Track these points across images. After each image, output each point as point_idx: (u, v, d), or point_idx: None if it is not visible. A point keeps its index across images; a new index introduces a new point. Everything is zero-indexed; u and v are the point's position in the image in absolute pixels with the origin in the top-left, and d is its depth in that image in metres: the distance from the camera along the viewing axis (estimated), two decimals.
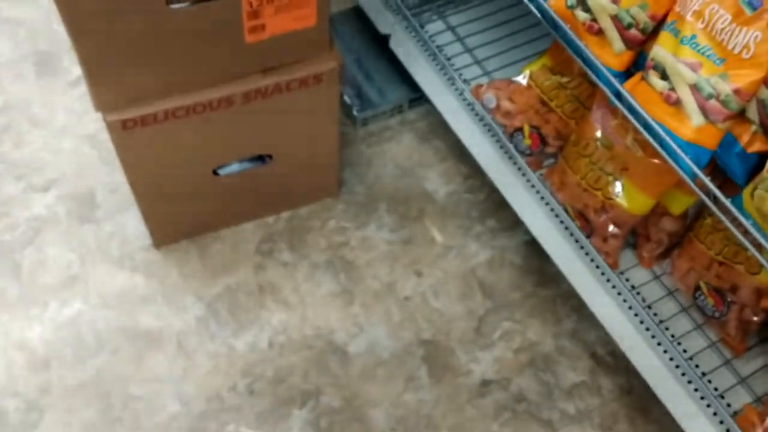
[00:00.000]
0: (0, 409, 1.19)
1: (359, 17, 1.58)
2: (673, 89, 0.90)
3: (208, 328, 1.28)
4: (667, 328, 1.13)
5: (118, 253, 1.34)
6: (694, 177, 0.91)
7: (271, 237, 1.38)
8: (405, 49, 1.41)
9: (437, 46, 1.37)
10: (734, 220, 0.89)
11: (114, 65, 1.01)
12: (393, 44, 1.43)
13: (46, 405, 1.20)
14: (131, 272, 1.33)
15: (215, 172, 1.24)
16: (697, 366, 1.10)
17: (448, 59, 1.36)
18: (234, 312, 1.30)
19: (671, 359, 1.09)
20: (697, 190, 0.93)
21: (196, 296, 1.31)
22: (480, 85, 1.27)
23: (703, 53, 0.87)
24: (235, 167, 1.26)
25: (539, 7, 1.03)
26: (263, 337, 1.28)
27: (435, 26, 1.42)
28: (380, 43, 1.50)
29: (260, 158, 1.27)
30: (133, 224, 1.37)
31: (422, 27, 1.39)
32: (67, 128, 1.47)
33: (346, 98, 1.50)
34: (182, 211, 1.30)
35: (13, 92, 1.51)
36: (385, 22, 1.44)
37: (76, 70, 1.54)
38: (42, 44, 1.58)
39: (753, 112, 0.87)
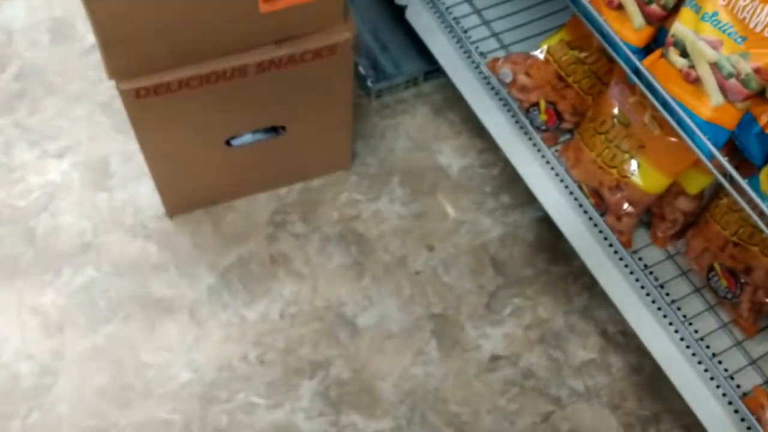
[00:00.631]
0: (15, 372, 1.20)
1: None
2: (692, 67, 0.88)
3: (220, 298, 1.29)
4: (678, 308, 1.12)
5: (131, 221, 1.35)
6: (711, 157, 0.90)
7: (284, 208, 1.38)
8: (421, 20, 1.39)
9: (454, 18, 1.35)
10: (750, 201, 0.88)
11: (127, 33, 1.01)
12: (409, 15, 1.41)
13: (60, 369, 1.21)
14: (144, 241, 1.33)
15: (228, 143, 1.24)
16: (707, 347, 1.09)
17: (465, 32, 1.34)
18: (246, 282, 1.30)
19: (682, 339, 1.09)
20: (713, 169, 0.91)
21: (208, 266, 1.31)
22: (496, 59, 1.25)
23: (724, 31, 0.85)
24: (248, 138, 1.25)
25: None
26: (274, 308, 1.29)
27: None
28: (397, 14, 1.48)
29: (273, 129, 1.26)
30: (146, 193, 1.37)
31: None
32: (81, 96, 1.47)
33: (361, 69, 1.49)
34: (195, 181, 1.30)
35: (28, 59, 1.51)
36: None
37: (91, 38, 1.53)
38: (57, 11, 1.58)
39: None
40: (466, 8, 1.39)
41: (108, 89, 1.47)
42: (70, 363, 1.22)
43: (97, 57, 1.51)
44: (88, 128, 1.44)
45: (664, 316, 1.11)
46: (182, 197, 1.33)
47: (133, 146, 1.40)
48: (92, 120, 1.45)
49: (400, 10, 1.44)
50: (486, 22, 1.37)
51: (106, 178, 1.39)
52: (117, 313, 1.27)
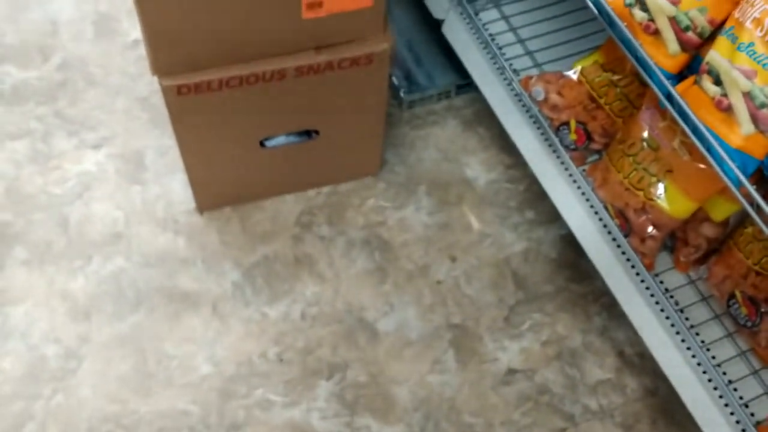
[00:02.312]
0: (41, 354, 1.24)
1: (414, 0, 1.58)
2: (725, 95, 0.90)
3: (243, 295, 1.31)
4: (697, 334, 1.13)
5: (162, 214, 1.38)
6: (739, 185, 0.91)
7: (311, 210, 1.40)
8: (457, 35, 1.41)
9: (490, 35, 1.37)
10: None
11: (174, 31, 1.04)
12: (446, 29, 1.44)
13: (85, 354, 1.24)
14: (174, 234, 1.36)
15: (262, 144, 1.27)
16: (724, 373, 1.10)
17: (500, 48, 1.36)
18: (270, 281, 1.33)
19: (699, 364, 1.10)
20: (741, 198, 0.92)
21: (234, 262, 1.34)
22: (530, 77, 1.27)
23: (759, 62, 0.86)
24: (281, 140, 1.28)
25: (596, 3, 1.03)
26: (296, 308, 1.31)
27: (489, 14, 1.42)
28: (432, 27, 1.51)
29: (307, 133, 1.29)
30: (178, 188, 1.40)
31: (476, 14, 1.40)
32: (121, 89, 1.51)
33: (395, 80, 1.51)
34: (227, 179, 1.33)
35: (72, 50, 1.55)
36: (439, 7, 1.44)
37: (134, 33, 1.57)
38: (102, 5, 1.62)
39: None
40: (502, 25, 1.41)
41: (147, 84, 1.50)
42: (95, 349, 1.25)
43: (138, 52, 1.55)
44: (125, 121, 1.47)
45: (683, 341, 1.12)
46: (213, 194, 1.36)
47: (168, 141, 1.44)
48: (130, 114, 1.48)
49: (436, 24, 1.46)
50: (521, 41, 1.39)
51: (141, 171, 1.42)
52: (143, 303, 1.29)
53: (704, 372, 1.09)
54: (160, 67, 1.09)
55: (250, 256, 1.35)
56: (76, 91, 1.50)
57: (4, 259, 1.31)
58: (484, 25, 1.39)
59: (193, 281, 1.32)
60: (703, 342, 1.12)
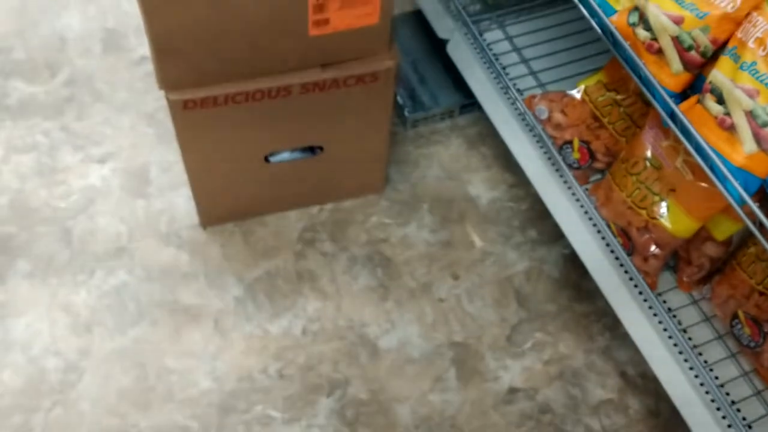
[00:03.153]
0: (42, 367, 1.23)
1: (419, 21, 1.60)
2: (728, 114, 0.90)
3: (245, 310, 1.31)
4: (700, 354, 1.13)
5: (165, 229, 1.38)
6: (742, 203, 0.91)
7: (314, 227, 1.40)
8: (462, 54, 1.42)
9: (494, 55, 1.39)
10: None
11: (182, 47, 1.05)
12: (450, 49, 1.45)
13: (85, 367, 1.24)
14: (177, 249, 1.36)
15: (267, 159, 1.27)
16: (727, 394, 1.09)
17: (504, 68, 1.37)
18: (271, 296, 1.33)
19: (702, 384, 1.09)
20: (744, 217, 0.93)
21: (236, 278, 1.34)
22: (533, 96, 1.28)
23: (762, 81, 0.87)
24: (286, 156, 1.29)
25: (600, 23, 1.04)
26: (297, 324, 1.31)
27: (493, 35, 1.43)
28: (437, 47, 1.52)
29: (311, 149, 1.29)
30: (182, 203, 1.41)
31: (481, 34, 1.41)
32: (127, 105, 1.52)
33: (399, 99, 1.52)
34: (231, 194, 1.34)
35: (80, 66, 1.57)
36: (444, 27, 1.46)
37: (141, 50, 1.59)
38: (110, 22, 1.64)
39: None
40: (506, 46, 1.42)
41: (154, 100, 1.52)
42: (96, 362, 1.25)
43: (145, 69, 1.56)
44: (131, 136, 1.48)
45: (685, 361, 1.11)
46: (217, 209, 1.36)
47: (173, 157, 1.45)
48: (136, 129, 1.49)
49: (441, 44, 1.47)
50: (525, 61, 1.40)
51: (145, 185, 1.43)
52: (145, 317, 1.29)
53: (707, 392, 1.09)
54: (166, 82, 1.10)
55: (253, 272, 1.35)
56: (83, 106, 1.52)
57: (7, 272, 1.32)
58: (488, 45, 1.40)
59: (195, 296, 1.32)
60: (706, 362, 1.12)
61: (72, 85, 1.54)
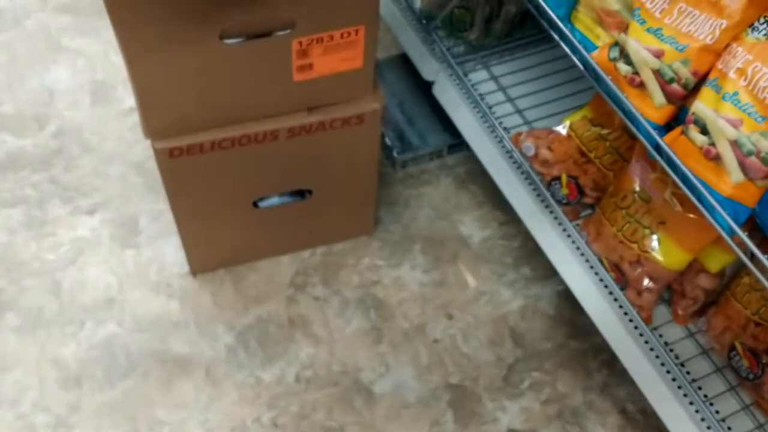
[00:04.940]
0: (30, 424, 1.21)
1: (404, 64, 1.61)
2: (713, 144, 0.90)
3: (236, 358, 1.29)
4: (699, 388, 1.11)
5: (155, 278, 1.37)
6: (732, 234, 0.91)
7: (306, 270, 1.39)
8: (448, 95, 1.43)
9: (480, 95, 1.39)
10: None
11: (166, 95, 1.05)
12: (436, 91, 1.46)
13: (75, 423, 1.21)
14: (167, 298, 1.35)
15: (255, 204, 1.27)
16: (729, 429, 1.07)
17: (490, 107, 1.38)
18: (263, 343, 1.31)
19: (703, 420, 1.07)
20: (734, 247, 0.92)
21: (227, 325, 1.32)
22: (519, 133, 1.28)
23: (744, 110, 0.87)
24: (275, 200, 1.28)
25: (582, 59, 1.05)
26: (290, 371, 1.29)
27: (478, 75, 1.44)
28: (423, 89, 1.53)
29: (300, 193, 1.29)
30: (172, 251, 1.40)
31: (466, 75, 1.42)
32: (116, 155, 1.52)
33: (388, 140, 1.53)
34: (221, 241, 1.33)
35: (69, 118, 1.57)
36: (429, 69, 1.47)
37: (129, 101, 1.60)
38: (99, 74, 1.65)
39: None
40: (491, 85, 1.43)
41: (142, 150, 1.52)
42: (86, 417, 1.22)
43: (134, 119, 1.57)
44: (120, 186, 1.48)
45: (685, 395, 1.09)
46: (207, 256, 1.35)
47: (162, 205, 1.44)
48: (125, 179, 1.49)
49: (427, 86, 1.48)
50: (510, 99, 1.41)
51: (135, 235, 1.42)
52: (136, 369, 1.27)
53: (708, 428, 1.07)
54: (152, 131, 1.10)
55: (244, 318, 1.34)
56: (72, 157, 1.52)
57: None
58: (473, 85, 1.41)
59: (186, 345, 1.30)
60: (706, 396, 1.10)
61: (60, 137, 1.54)
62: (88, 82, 1.64)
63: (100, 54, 1.68)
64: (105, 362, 1.28)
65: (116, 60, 1.66)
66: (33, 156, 1.51)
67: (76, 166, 1.51)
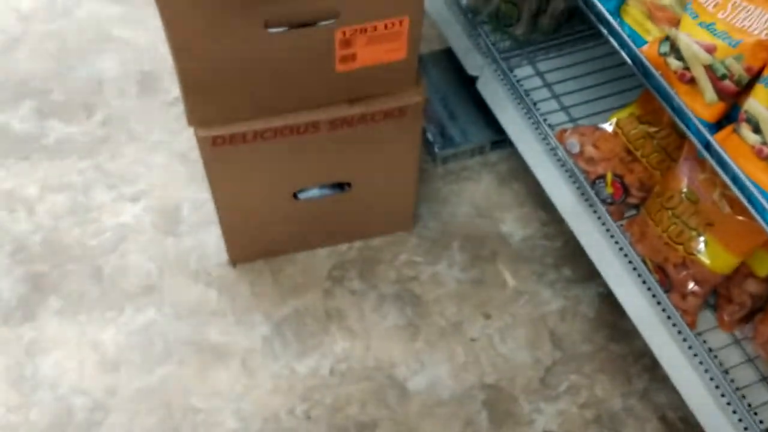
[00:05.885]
0: (68, 405, 1.23)
1: (449, 59, 1.60)
2: (765, 143, 0.87)
3: (272, 349, 1.29)
4: (743, 397, 1.07)
5: (195, 267, 1.38)
6: None
7: (343, 264, 1.39)
8: (492, 91, 1.42)
9: (524, 90, 1.37)
10: None
11: (210, 84, 1.06)
12: (480, 86, 1.44)
13: (112, 406, 1.23)
14: (206, 287, 1.36)
15: (295, 196, 1.27)
16: None
17: (535, 104, 1.36)
18: (299, 335, 1.31)
19: (746, 429, 1.04)
20: None
21: (264, 316, 1.33)
22: (564, 130, 1.26)
23: None
24: (314, 192, 1.28)
25: (631, 54, 1.02)
26: (325, 364, 1.28)
27: (523, 71, 1.42)
28: (467, 84, 1.52)
29: (339, 186, 1.29)
30: (212, 241, 1.41)
31: (511, 71, 1.40)
32: (161, 145, 1.54)
33: (429, 135, 1.52)
34: (261, 231, 1.33)
35: (115, 107, 1.60)
36: (474, 64, 1.45)
37: (175, 91, 1.62)
38: (146, 64, 1.67)
39: None
40: (537, 81, 1.41)
41: (187, 140, 1.53)
42: (123, 401, 1.24)
43: (179, 109, 1.59)
44: (164, 175, 1.50)
45: (728, 404, 1.06)
46: (247, 246, 1.36)
47: (204, 195, 1.46)
48: (169, 168, 1.51)
49: (471, 81, 1.47)
50: (556, 96, 1.39)
51: (176, 223, 1.43)
52: (172, 356, 1.28)
53: None
54: (196, 119, 1.11)
55: (281, 310, 1.34)
56: (118, 145, 1.54)
57: (38, 309, 1.32)
58: (518, 81, 1.39)
59: (223, 334, 1.31)
60: (750, 406, 1.06)
61: (107, 126, 1.57)
62: (136, 72, 1.66)
63: (148, 44, 1.70)
64: (143, 348, 1.29)
65: (163, 50, 1.68)
66: (80, 143, 1.54)
67: (122, 154, 1.53)
